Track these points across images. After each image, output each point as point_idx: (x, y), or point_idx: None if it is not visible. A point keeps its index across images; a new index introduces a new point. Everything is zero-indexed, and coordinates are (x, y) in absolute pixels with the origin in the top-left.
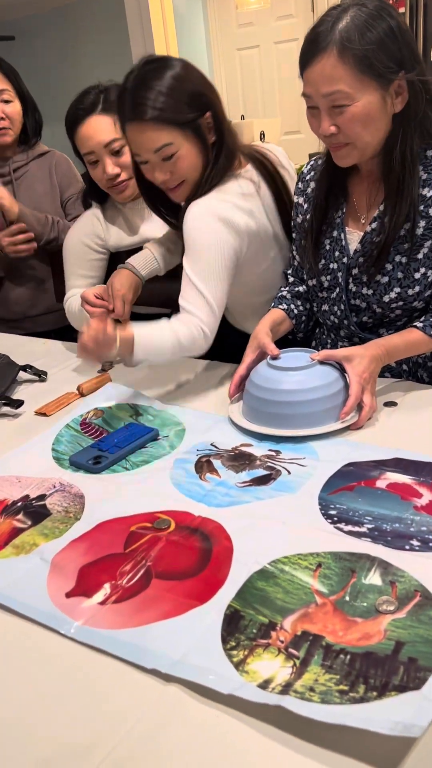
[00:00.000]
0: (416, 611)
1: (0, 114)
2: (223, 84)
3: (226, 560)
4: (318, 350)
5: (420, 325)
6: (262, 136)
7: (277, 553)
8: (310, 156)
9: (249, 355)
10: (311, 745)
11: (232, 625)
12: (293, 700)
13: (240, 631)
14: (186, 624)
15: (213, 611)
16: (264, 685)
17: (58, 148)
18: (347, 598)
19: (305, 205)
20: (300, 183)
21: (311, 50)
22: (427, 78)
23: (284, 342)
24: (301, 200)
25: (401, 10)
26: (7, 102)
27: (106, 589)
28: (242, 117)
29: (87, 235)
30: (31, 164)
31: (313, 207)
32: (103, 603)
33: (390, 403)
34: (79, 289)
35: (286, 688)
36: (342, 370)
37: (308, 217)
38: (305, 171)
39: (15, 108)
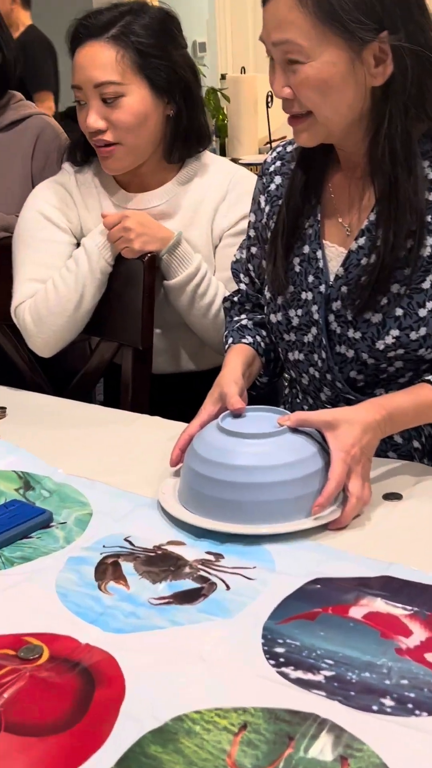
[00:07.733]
0: None
1: None
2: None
3: (112, 710)
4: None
5: None
6: (270, 99)
7: (188, 705)
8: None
9: (207, 409)
10: None
11: None
12: None
13: None
14: None
15: None
16: None
17: None
18: None
19: (266, 208)
20: (263, 177)
21: None
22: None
23: None
24: (261, 200)
25: None
26: None
27: None
28: (242, 70)
29: (49, 205)
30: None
31: (282, 209)
32: None
33: (392, 496)
34: (35, 283)
35: None
36: (323, 443)
37: (271, 223)
38: (269, 160)
39: None
